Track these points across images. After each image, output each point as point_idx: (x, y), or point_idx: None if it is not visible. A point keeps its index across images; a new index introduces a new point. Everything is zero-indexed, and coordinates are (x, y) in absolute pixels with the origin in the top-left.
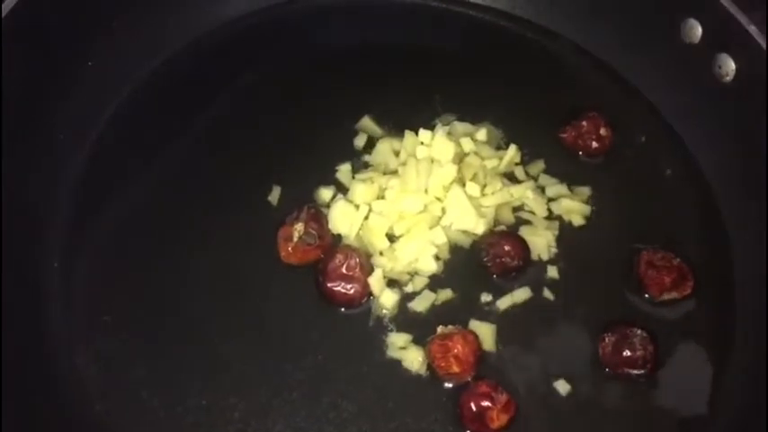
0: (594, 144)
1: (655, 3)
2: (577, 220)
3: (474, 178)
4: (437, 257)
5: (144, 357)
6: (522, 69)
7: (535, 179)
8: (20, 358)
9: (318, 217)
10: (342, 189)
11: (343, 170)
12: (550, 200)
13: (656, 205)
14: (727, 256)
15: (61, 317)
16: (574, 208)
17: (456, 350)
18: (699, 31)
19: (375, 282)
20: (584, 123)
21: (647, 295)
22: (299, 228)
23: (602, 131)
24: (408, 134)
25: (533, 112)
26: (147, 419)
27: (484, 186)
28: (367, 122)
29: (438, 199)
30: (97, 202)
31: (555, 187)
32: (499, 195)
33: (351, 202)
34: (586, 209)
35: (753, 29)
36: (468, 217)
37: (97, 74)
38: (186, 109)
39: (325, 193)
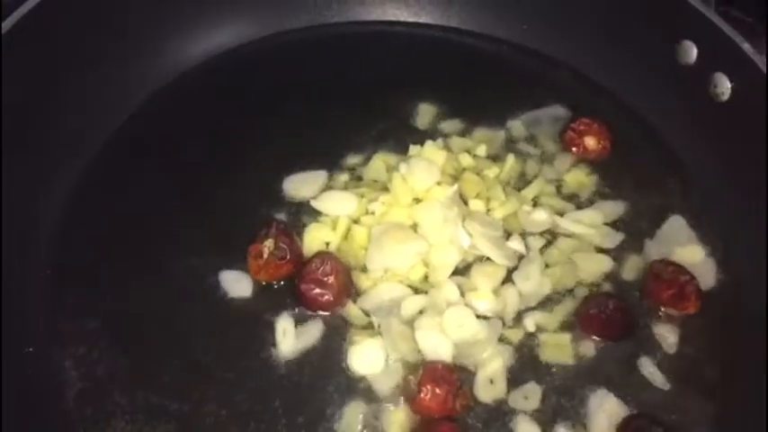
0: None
1: (650, 25)
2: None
3: (477, 195)
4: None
5: (127, 365)
6: (519, 90)
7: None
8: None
9: (288, 231)
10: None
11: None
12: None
13: (652, 223)
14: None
15: (49, 320)
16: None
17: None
18: (694, 52)
19: (351, 310)
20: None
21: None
22: (268, 244)
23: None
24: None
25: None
26: (123, 425)
27: (488, 200)
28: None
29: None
30: (90, 212)
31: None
32: (508, 206)
33: (327, 217)
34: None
35: (747, 47)
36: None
37: (97, 93)
38: (188, 127)
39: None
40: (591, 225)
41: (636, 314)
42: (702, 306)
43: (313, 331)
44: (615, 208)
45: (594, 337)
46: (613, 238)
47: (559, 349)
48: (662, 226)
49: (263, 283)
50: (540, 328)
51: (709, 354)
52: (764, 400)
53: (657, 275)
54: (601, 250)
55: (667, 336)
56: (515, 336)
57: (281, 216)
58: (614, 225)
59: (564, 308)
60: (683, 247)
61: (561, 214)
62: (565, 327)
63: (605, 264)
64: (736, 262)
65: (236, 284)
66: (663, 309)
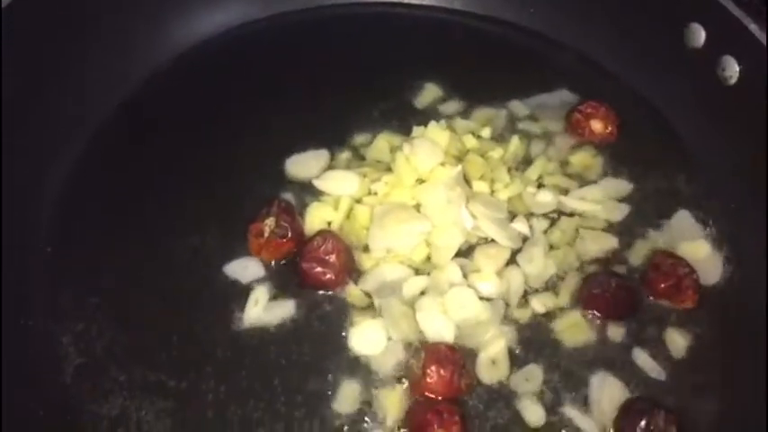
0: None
1: (658, 8)
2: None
3: (482, 177)
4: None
5: (125, 342)
6: (524, 72)
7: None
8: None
9: (290, 210)
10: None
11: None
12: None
13: (658, 208)
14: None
15: (48, 296)
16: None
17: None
18: (702, 34)
19: (352, 290)
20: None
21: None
22: (270, 222)
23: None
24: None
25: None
26: (121, 401)
27: (492, 182)
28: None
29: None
30: (90, 192)
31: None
32: (512, 188)
33: (329, 197)
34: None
35: (754, 27)
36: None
37: (96, 74)
38: (188, 108)
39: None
40: (595, 201)
41: (639, 293)
42: (706, 301)
43: (287, 307)
44: (620, 186)
45: (597, 315)
46: (621, 211)
47: (573, 329)
48: (668, 220)
49: (265, 263)
50: (547, 309)
51: (711, 350)
52: (764, 400)
53: (656, 267)
54: (605, 229)
55: (674, 337)
56: (518, 317)
57: (284, 196)
58: (620, 201)
59: (569, 289)
60: (689, 242)
61: (566, 193)
62: (571, 307)
63: (609, 242)
64: (740, 256)
65: (245, 271)
66: (652, 298)
